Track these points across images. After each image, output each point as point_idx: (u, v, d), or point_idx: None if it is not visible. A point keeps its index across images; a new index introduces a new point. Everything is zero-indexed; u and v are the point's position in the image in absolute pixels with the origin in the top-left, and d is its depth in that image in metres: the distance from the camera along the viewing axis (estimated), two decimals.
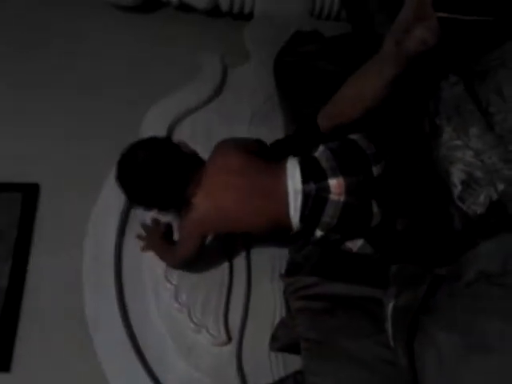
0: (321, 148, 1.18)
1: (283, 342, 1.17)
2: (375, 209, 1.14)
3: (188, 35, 1.75)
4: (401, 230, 1.20)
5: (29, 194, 1.39)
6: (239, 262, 1.31)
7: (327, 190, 1.11)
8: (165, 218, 1.33)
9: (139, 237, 1.32)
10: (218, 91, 1.59)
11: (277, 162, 1.18)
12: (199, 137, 1.47)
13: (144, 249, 1.30)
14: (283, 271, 1.22)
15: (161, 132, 1.43)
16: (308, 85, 1.51)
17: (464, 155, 1.15)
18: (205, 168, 1.18)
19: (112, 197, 1.34)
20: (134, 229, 1.33)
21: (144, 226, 1.32)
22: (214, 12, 1.79)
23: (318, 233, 1.15)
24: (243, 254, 1.32)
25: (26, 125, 1.50)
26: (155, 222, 1.33)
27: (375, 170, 1.14)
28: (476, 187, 1.13)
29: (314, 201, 1.11)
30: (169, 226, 1.33)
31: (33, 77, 1.59)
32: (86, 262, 1.29)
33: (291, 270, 1.17)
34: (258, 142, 1.29)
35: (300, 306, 1.08)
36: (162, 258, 1.26)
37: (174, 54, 1.69)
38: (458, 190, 1.14)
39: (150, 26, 1.76)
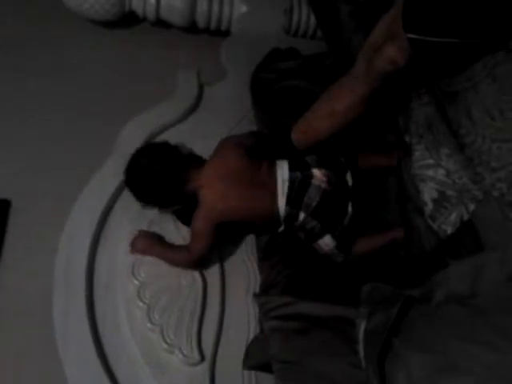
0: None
1: (256, 360, 1.16)
2: (349, 208, 1.29)
3: (165, 51, 1.75)
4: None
5: None
6: (213, 279, 1.30)
7: (310, 176, 1.28)
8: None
9: (131, 243, 1.31)
10: (194, 107, 1.59)
11: (269, 159, 1.32)
12: None
13: (137, 252, 1.30)
14: (257, 290, 1.22)
15: (135, 148, 1.42)
16: (284, 102, 1.52)
17: (436, 174, 1.16)
18: (207, 164, 1.30)
19: (84, 213, 1.33)
20: (106, 246, 1.32)
21: (135, 234, 1.33)
22: (191, 28, 1.79)
23: (302, 215, 1.27)
24: (217, 272, 1.32)
25: None
26: (145, 231, 1.34)
27: (348, 177, 1.32)
28: (448, 206, 1.14)
29: (299, 185, 1.27)
30: (158, 235, 1.35)
31: (7, 93, 1.56)
32: (56, 278, 1.27)
33: (264, 289, 1.17)
34: (255, 135, 1.41)
35: (273, 326, 1.07)
36: (165, 257, 1.29)
37: (151, 70, 1.69)
38: (428, 208, 1.15)
39: (126, 42, 1.75)
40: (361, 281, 1.07)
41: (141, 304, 1.24)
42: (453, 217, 1.11)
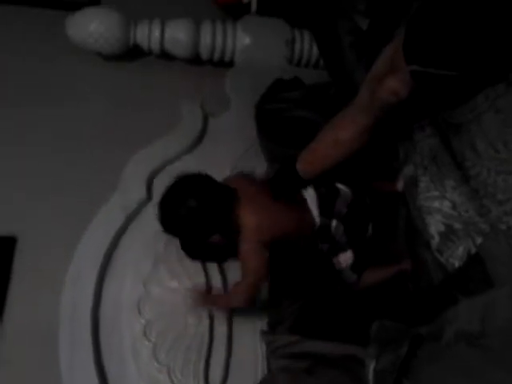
0: None
1: None
2: (370, 229, 1.33)
3: (169, 83, 1.76)
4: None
5: (6, 246, 1.36)
6: (220, 317, 1.29)
7: (336, 188, 1.34)
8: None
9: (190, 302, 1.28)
10: (199, 140, 1.59)
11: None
12: None
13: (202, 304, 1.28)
14: (264, 327, 1.20)
15: (140, 183, 1.43)
16: (289, 132, 1.52)
17: (442, 206, 1.15)
18: (238, 193, 1.28)
19: (90, 249, 1.33)
20: (112, 283, 1.31)
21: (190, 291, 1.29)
22: (195, 60, 1.80)
23: (334, 223, 1.31)
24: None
25: (2, 177, 1.47)
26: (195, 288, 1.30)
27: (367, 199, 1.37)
28: (454, 239, 1.13)
29: (328, 194, 1.32)
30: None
31: (10, 128, 1.56)
32: (62, 315, 1.26)
33: (271, 327, 1.15)
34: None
35: (280, 366, 1.05)
36: (223, 304, 1.28)
37: (155, 103, 1.69)
38: (435, 241, 1.14)
39: (131, 75, 1.76)
40: (369, 316, 1.05)
41: (147, 343, 1.24)
42: (460, 250, 1.10)
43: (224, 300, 1.28)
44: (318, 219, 1.31)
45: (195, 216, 1.21)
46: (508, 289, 0.87)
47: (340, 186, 1.35)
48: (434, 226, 1.15)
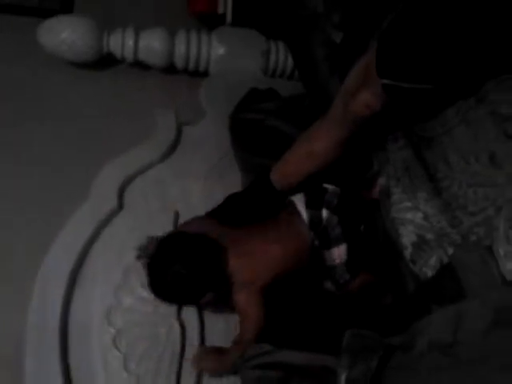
0: None
1: None
2: (362, 226, 1.26)
3: (143, 92, 1.75)
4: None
5: None
6: (192, 325, 1.26)
7: (325, 187, 1.27)
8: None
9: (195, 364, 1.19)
10: (173, 149, 1.57)
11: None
12: (152, 194, 1.46)
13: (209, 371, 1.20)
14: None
15: (112, 192, 1.41)
16: (263, 143, 1.52)
17: (414, 217, 1.16)
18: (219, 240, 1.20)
19: (58, 259, 1.30)
20: (82, 293, 1.29)
21: (194, 357, 1.19)
22: (170, 69, 1.80)
23: (324, 212, 1.23)
24: (196, 318, 1.27)
25: None
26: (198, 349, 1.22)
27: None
28: (427, 249, 1.14)
29: (316, 191, 1.26)
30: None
31: None
32: (29, 326, 1.23)
33: None
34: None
35: (254, 376, 1.04)
36: (224, 365, 1.15)
37: (129, 111, 1.68)
38: (408, 251, 1.15)
39: (103, 83, 1.75)
40: (342, 326, 1.05)
41: (117, 353, 1.21)
42: (433, 260, 1.11)
43: (237, 347, 1.15)
44: (305, 215, 1.23)
45: (185, 282, 1.15)
46: (479, 301, 0.88)
47: (326, 185, 1.29)
48: (407, 237, 1.16)
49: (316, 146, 1.22)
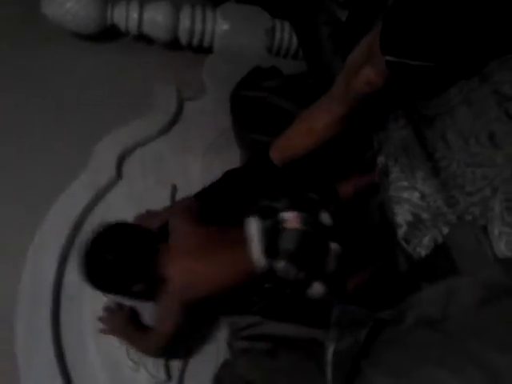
0: None
1: None
2: (332, 247, 1.17)
3: (145, 66, 1.73)
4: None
5: None
6: None
7: (282, 221, 1.17)
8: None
9: (102, 319, 1.22)
10: (173, 123, 1.57)
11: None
12: (151, 167, 1.46)
13: (107, 332, 1.20)
14: None
15: (111, 162, 1.41)
16: (264, 121, 1.51)
17: (411, 196, 1.16)
18: (169, 240, 1.19)
19: (55, 226, 1.31)
20: (75, 265, 1.27)
21: (107, 309, 1.22)
22: (173, 44, 1.79)
23: (281, 263, 1.14)
24: None
25: None
26: (119, 306, 1.23)
27: (323, 216, 1.21)
28: (422, 228, 1.14)
29: (272, 232, 1.16)
30: (133, 311, 1.23)
31: None
32: (21, 292, 1.24)
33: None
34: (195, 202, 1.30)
35: (241, 347, 1.05)
36: (134, 344, 1.17)
37: (131, 84, 1.66)
38: (402, 230, 1.15)
39: (106, 56, 1.73)
40: (332, 303, 1.05)
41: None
42: (427, 240, 1.11)
43: (137, 344, 1.18)
44: (260, 261, 1.14)
45: (111, 268, 1.13)
46: (473, 277, 0.88)
47: (286, 214, 1.18)
48: (402, 216, 1.15)
49: (316, 122, 1.22)
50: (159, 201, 1.35)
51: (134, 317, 1.22)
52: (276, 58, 1.82)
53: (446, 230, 1.07)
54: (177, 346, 1.18)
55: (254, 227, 1.17)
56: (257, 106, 1.56)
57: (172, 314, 1.13)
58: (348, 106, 1.16)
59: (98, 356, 1.19)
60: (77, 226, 1.32)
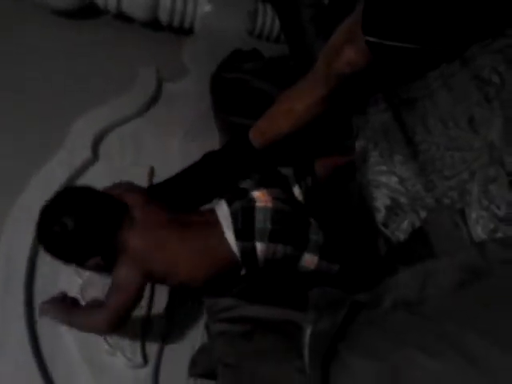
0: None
1: (203, 367, 1.13)
2: (312, 220, 1.14)
3: (125, 46, 1.69)
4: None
5: None
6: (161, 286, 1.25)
7: (252, 200, 1.13)
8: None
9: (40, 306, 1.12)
10: (152, 103, 1.55)
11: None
12: (128, 148, 1.44)
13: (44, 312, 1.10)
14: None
15: (87, 142, 1.38)
16: (244, 103, 1.50)
17: (389, 181, 1.16)
18: (131, 211, 1.10)
19: (30, 205, 1.26)
20: None
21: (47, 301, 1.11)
22: (154, 25, 1.75)
23: (259, 245, 1.09)
24: None
25: None
26: (63, 295, 1.13)
27: (296, 189, 1.21)
28: (400, 213, 1.14)
29: (242, 213, 1.11)
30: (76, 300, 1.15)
31: None
32: None
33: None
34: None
35: (219, 330, 1.04)
36: (83, 322, 1.07)
37: (109, 64, 1.63)
38: (381, 215, 1.15)
39: (84, 34, 1.69)
40: (310, 285, 1.05)
41: (83, 304, 1.19)
42: (405, 224, 1.11)
43: (79, 319, 1.08)
44: (235, 246, 1.09)
45: (70, 237, 1.04)
46: (448, 261, 0.88)
47: (255, 193, 1.14)
48: (381, 200, 1.15)
49: (297, 103, 1.20)
50: (136, 182, 1.32)
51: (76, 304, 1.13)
52: (258, 40, 1.80)
53: (423, 214, 1.08)
54: (153, 329, 1.17)
55: (223, 210, 1.13)
56: (237, 89, 1.54)
57: (130, 282, 1.04)
58: (329, 87, 1.15)
59: (73, 340, 1.17)
60: None
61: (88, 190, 1.12)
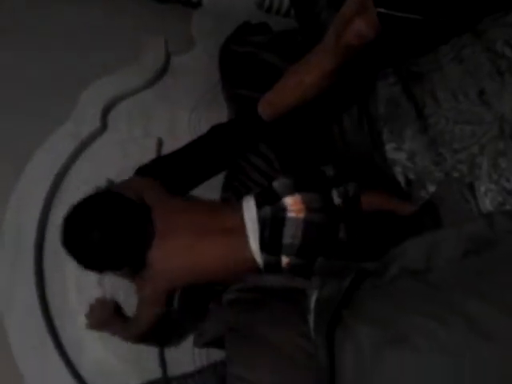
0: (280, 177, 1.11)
1: (211, 335, 1.13)
2: (341, 234, 1.05)
3: (134, 17, 1.69)
4: None
5: None
6: None
7: (284, 208, 1.03)
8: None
9: (87, 315, 1.15)
10: (160, 76, 1.54)
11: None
12: (137, 119, 1.44)
13: (93, 326, 1.14)
14: None
15: (96, 112, 1.38)
16: (252, 76, 1.49)
17: (399, 157, 1.16)
18: (153, 220, 1.06)
19: (39, 175, 1.30)
20: (60, 210, 1.26)
21: (92, 306, 1.16)
22: None
23: (285, 260, 1.04)
24: None
25: None
26: (102, 301, 1.17)
27: (334, 194, 1.08)
28: (408, 189, 1.14)
29: (272, 223, 1.03)
30: (115, 303, 1.18)
31: None
32: (4, 240, 1.24)
33: None
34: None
35: (230, 298, 1.04)
36: (119, 333, 1.12)
37: (118, 35, 1.62)
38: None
39: (95, 4, 1.68)
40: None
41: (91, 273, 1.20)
42: (414, 198, 1.12)
43: (127, 327, 1.12)
44: (259, 258, 1.04)
45: (99, 249, 1.03)
46: (457, 230, 0.88)
47: (288, 199, 1.05)
48: (399, 178, 1.15)
49: (306, 75, 1.20)
50: (144, 153, 1.34)
51: (116, 309, 1.16)
52: (267, 14, 1.78)
53: (431, 189, 1.08)
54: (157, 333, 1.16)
55: (251, 212, 1.05)
56: (246, 62, 1.53)
57: (152, 300, 1.06)
58: (338, 60, 1.14)
59: (81, 304, 1.19)
60: (60, 176, 1.31)
61: (113, 200, 1.06)
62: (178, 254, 1.05)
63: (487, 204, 0.96)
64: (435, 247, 0.86)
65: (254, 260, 1.04)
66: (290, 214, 1.03)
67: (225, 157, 1.33)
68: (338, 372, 0.82)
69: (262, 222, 1.03)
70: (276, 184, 1.09)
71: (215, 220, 1.07)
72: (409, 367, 0.77)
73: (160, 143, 1.40)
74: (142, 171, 1.26)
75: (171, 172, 1.29)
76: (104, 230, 1.02)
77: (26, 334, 1.14)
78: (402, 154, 1.16)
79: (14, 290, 1.18)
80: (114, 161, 1.31)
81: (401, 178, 1.16)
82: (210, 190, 1.27)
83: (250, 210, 1.06)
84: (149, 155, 1.34)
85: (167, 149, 1.36)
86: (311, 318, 0.87)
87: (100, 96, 1.42)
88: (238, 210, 1.07)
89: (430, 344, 0.76)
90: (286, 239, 1.02)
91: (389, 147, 1.18)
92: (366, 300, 0.86)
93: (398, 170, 1.16)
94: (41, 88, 1.46)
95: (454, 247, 0.84)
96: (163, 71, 1.55)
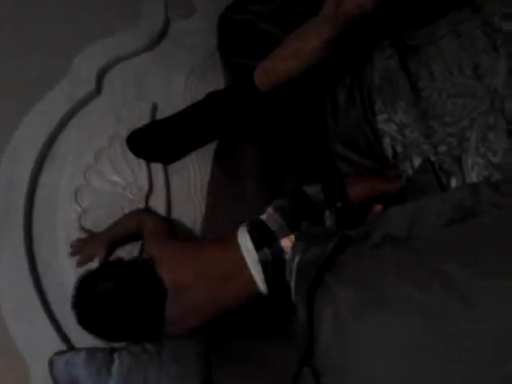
0: (269, 210, 1.11)
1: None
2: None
3: None
4: None
5: None
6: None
7: (281, 251, 1.04)
8: None
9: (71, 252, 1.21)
10: (158, 40, 1.52)
11: (225, 237, 1.11)
12: (132, 83, 1.43)
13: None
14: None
15: (91, 74, 1.38)
16: (251, 45, 1.48)
17: (389, 129, 1.16)
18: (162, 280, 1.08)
19: (32, 134, 1.31)
20: (52, 168, 1.29)
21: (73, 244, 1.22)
22: None
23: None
24: (163, 207, 1.30)
25: None
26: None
27: (327, 216, 1.09)
28: (396, 162, 1.15)
29: (273, 266, 1.04)
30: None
31: None
32: None
33: None
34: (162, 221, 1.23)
35: None
36: None
37: None
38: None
39: None
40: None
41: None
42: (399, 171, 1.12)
43: None
44: (265, 291, 1.07)
45: (118, 331, 1.08)
46: (438, 199, 0.88)
47: (284, 241, 1.05)
48: (387, 150, 1.16)
49: (303, 45, 1.19)
50: (138, 117, 1.34)
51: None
52: None
53: (417, 161, 1.08)
54: None
55: (251, 255, 1.06)
56: (245, 30, 1.52)
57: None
58: (336, 30, 1.14)
59: (70, 261, 1.20)
60: (53, 136, 1.31)
61: (121, 269, 1.09)
62: (195, 310, 1.08)
63: (473, 177, 0.97)
64: (418, 215, 0.87)
65: (259, 293, 1.07)
66: (288, 257, 1.02)
67: (219, 124, 1.33)
68: (316, 331, 0.83)
69: (264, 265, 1.05)
70: (270, 222, 1.08)
71: (217, 265, 1.09)
72: (387, 329, 0.77)
73: (154, 108, 1.40)
74: (135, 135, 1.28)
75: (164, 137, 1.29)
76: (121, 315, 1.05)
77: (13, 289, 1.17)
78: (393, 125, 1.16)
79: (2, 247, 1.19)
80: (107, 123, 1.30)
81: (389, 150, 1.16)
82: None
83: (248, 251, 1.06)
84: (142, 120, 1.34)
85: (162, 114, 1.36)
86: (293, 278, 0.88)
87: (96, 58, 1.41)
88: (237, 250, 1.07)
89: (408, 307, 0.77)
90: (290, 278, 0.99)
91: (380, 118, 1.19)
92: (348, 264, 0.87)
93: (386, 141, 1.17)
94: (39, 44, 1.45)
95: (438, 214, 0.85)
96: (161, 36, 1.53)
